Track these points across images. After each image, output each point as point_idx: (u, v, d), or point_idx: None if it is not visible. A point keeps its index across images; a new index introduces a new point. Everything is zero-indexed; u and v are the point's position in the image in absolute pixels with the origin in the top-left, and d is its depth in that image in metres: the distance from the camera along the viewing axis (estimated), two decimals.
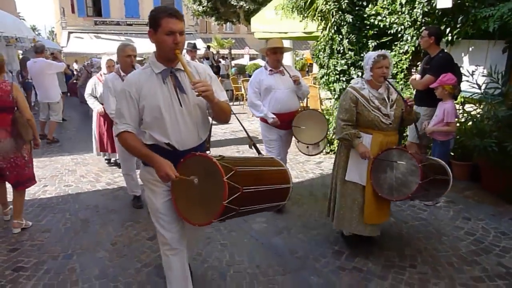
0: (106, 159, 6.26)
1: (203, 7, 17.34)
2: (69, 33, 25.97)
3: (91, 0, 27.55)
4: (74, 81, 12.04)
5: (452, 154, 4.94)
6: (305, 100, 5.22)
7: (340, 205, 3.36)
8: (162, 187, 2.33)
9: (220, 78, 15.65)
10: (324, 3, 5.71)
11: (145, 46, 20.94)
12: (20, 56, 11.53)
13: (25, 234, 3.85)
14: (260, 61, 24.24)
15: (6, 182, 4.03)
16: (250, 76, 10.65)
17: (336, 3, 5.65)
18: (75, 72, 13.83)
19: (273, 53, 4.06)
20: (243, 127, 2.92)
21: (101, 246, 3.62)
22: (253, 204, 2.32)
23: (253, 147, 2.88)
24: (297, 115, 4.21)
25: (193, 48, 8.08)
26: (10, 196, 4.10)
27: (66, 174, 5.81)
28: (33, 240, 3.73)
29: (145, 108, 2.18)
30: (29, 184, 3.97)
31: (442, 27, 5.01)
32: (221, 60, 20.28)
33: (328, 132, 4.84)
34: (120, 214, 4.36)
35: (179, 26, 2.11)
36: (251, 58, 23.41)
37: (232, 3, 16.52)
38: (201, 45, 26.70)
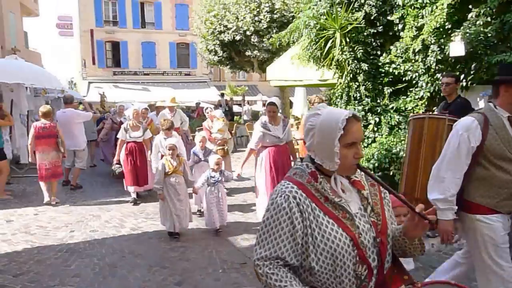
0: None
1: (218, 57, 18.06)
2: (89, 83, 27.18)
3: (110, 52, 29.06)
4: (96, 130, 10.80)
5: None
6: None
7: None
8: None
9: (236, 123, 16.18)
10: (340, 53, 5.99)
11: (160, 94, 21.68)
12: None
13: (56, 279, 3.91)
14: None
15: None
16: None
17: (352, 53, 5.93)
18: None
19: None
20: None
21: None
22: None
23: None
24: None
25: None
26: None
27: (91, 220, 5.92)
28: (64, 284, 3.79)
29: None
30: (61, 176, 7.20)
31: (457, 74, 5.19)
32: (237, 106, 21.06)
33: None
34: (146, 259, 4.41)
35: None
36: (264, 104, 23.96)
37: (247, 53, 17.21)
38: (215, 93, 27.61)
